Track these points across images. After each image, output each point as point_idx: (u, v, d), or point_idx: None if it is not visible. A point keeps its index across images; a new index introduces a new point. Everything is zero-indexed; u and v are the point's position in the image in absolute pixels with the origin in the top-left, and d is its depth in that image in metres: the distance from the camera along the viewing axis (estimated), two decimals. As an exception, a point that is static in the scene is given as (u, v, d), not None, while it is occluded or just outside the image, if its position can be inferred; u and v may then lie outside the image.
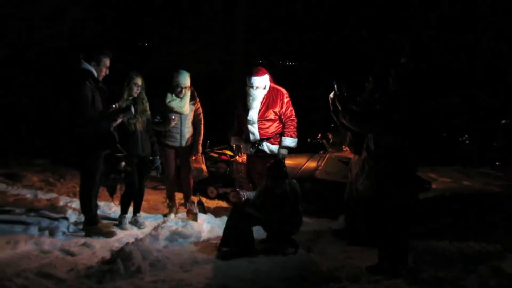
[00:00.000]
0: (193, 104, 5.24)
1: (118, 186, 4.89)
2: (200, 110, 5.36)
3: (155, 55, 10.40)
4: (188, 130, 5.26)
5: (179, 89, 5.05)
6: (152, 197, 6.13)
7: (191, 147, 5.32)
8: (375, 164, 3.58)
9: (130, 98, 4.63)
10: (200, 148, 5.42)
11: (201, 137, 5.39)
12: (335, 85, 3.88)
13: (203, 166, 5.41)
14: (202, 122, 5.38)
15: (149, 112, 4.81)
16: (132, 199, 4.84)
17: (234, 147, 5.58)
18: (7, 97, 10.45)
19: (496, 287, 3.21)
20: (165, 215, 5.25)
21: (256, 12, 10.15)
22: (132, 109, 4.38)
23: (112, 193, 4.88)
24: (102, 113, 4.23)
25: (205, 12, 10.19)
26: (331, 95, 3.98)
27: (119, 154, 4.41)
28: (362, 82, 4.52)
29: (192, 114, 5.26)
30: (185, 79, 5.07)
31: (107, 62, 4.34)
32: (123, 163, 4.52)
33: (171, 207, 5.33)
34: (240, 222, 4.17)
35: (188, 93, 5.14)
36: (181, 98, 5.10)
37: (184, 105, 5.11)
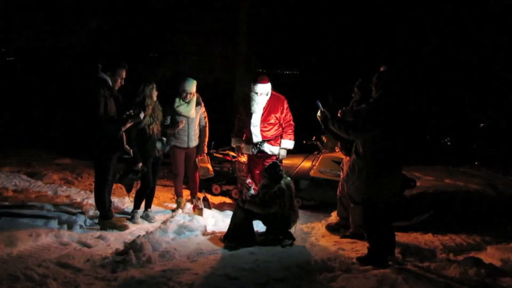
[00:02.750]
0: (199, 109, 5.24)
1: (134, 184, 4.89)
2: (205, 114, 5.38)
3: (164, 65, 10.40)
4: (194, 133, 5.25)
5: (184, 94, 5.04)
6: (162, 194, 6.12)
7: (198, 148, 5.33)
8: (364, 166, 3.54)
9: (150, 105, 4.62)
10: (206, 149, 5.42)
11: (207, 139, 5.41)
12: (319, 105, 3.89)
13: (209, 166, 5.42)
14: (207, 125, 5.40)
15: (160, 117, 4.81)
16: (145, 196, 4.84)
17: (235, 148, 5.58)
18: (31, 99, 10.51)
19: (475, 276, 3.21)
20: (173, 210, 5.24)
21: (257, 25, 10.15)
22: (141, 115, 4.38)
23: (129, 191, 4.86)
24: (113, 118, 4.23)
25: (210, 25, 10.20)
26: (318, 113, 3.97)
27: (126, 156, 4.40)
28: (350, 91, 4.54)
29: (198, 117, 5.26)
30: (191, 86, 5.06)
31: (122, 73, 4.33)
32: (140, 164, 4.52)
33: (179, 203, 5.33)
34: (242, 218, 4.18)
35: (194, 99, 5.13)
36: (188, 103, 5.09)
37: (191, 110, 5.11)
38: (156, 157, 4.77)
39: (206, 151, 5.42)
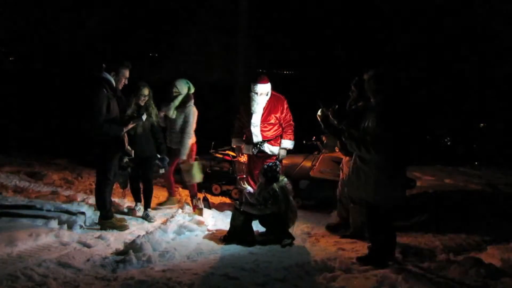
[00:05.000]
0: (182, 112, 5.08)
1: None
2: (188, 120, 5.08)
3: (164, 65, 10.42)
4: (175, 134, 5.14)
5: (171, 89, 5.06)
6: (161, 193, 6.10)
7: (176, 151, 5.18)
8: (371, 171, 3.44)
9: (136, 106, 4.65)
10: (185, 152, 5.10)
11: (185, 147, 5.08)
12: (321, 104, 3.89)
13: (195, 172, 5.17)
14: (188, 134, 5.08)
15: (154, 118, 4.78)
16: (134, 190, 5.04)
17: (235, 148, 5.58)
18: (30, 98, 10.50)
19: (475, 276, 3.21)
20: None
21: (258, 25, 10.17)
22: (143, 117, 4.41)
23: (123, 187, 4.90)
24: (115, 119, 4.23)
25: (210, 25, 10.22)
26: (319, 112, 3.96)
27: (128, 157, 4.42)
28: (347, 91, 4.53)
29: (180, 120, 5.10)
30: (178, 82, 5.06)
31: (126, 73, 4.32)
32: (125, 159, 4.51)
33: (170, 200, 5.38)
34: (241, 219, 4.18)
35: (179, 98, 5.05)
36: (171, 101, 5.06)
37: (171, 108, 5.06)
38: (144, 157, 4.73)
39: (184, 156, 5.10)
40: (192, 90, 5.17)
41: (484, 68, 10.84)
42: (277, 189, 4.21)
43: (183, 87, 5.08)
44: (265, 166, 4.37)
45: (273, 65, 12.65)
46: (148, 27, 10.64)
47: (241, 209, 4.22)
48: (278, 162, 4.51)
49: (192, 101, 5.16)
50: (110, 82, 4.19)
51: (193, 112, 5.13)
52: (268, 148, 5.14)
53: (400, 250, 3.79)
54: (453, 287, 3.10)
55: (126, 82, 4.38)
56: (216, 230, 4.58)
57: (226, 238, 4.22)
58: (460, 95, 11.15)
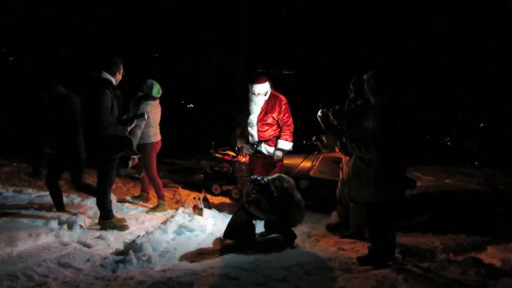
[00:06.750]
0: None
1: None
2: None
3: (165, 65, 10.41)
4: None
5: None
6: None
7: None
8: (372, 171, 3.44)
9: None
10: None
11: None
12: (321, 105, 3.90)
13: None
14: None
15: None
16: None
17: (237, 148, 5.55)
18: (31, 98, 10.50)
19: (475, 276, 3.21)
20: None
21: (258, 25, 10.18)
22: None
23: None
24: (119, 119, 4.23)
25: (210, 25, 10.22)
26: (319, 113, 3.95)
27: (134, 156, 4.41)
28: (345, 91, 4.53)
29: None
30: (143, 85, 5.13)
31: (121, 69, 4.35)
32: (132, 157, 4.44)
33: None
34: (245, 218, 4.16)
35: (138, 96, 5.20)
36: None
37: None
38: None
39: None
40: (156, 93, 5.13)
41: (485, 68, 10.84)
42: (275, 195, 4.10)
43: (144, 87, 5.12)
44: (250, 187, 4.24)
45: (273, 65, 12.65)
46: (149, 27, 10.65)
47: (250, 211, 4.18)
48: (255, 177, 4.27)
49: (150, 102, 5.11)
50: (111, 82, 4.20)
51: (144, 111, 4.89)
52: (265, 148, 5.06)
53: (400, 250, 3.78)
54: (453, 287, 3.10)
55: (124, 74, 4.40)
56: (216, 231, 4.58)
57: (225, 234, 4.18)
58: (461, 95, 11.15)
